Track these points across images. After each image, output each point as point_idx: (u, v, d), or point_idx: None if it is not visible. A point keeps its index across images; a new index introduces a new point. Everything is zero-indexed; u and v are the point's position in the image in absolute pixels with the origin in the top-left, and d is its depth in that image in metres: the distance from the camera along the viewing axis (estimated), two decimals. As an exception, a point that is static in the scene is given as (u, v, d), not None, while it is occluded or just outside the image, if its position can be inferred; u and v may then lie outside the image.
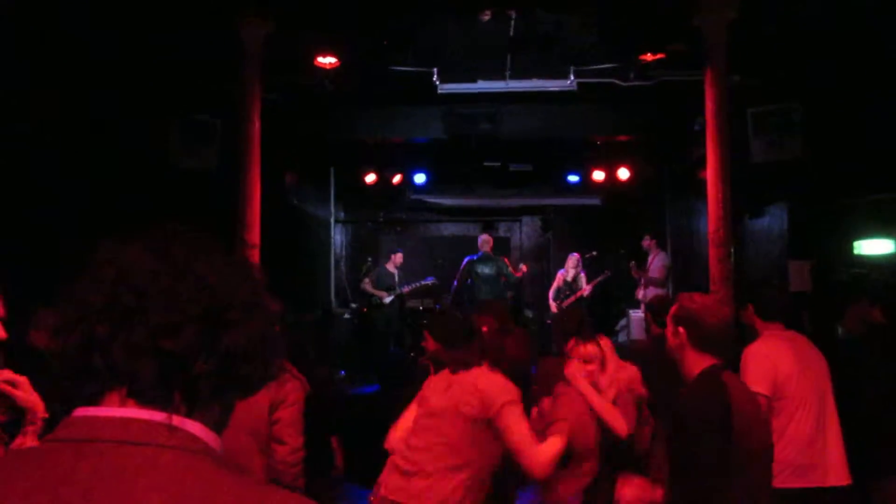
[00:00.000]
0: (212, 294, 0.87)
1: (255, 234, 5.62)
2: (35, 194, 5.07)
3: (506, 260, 9.46)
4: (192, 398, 0.86)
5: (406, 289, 9.71)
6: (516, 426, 2.75)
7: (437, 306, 10.29)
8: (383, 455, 3.14)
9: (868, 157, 6.30)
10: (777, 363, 3.34)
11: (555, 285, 9.75)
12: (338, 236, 11.45)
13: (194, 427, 0.86)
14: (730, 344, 2.65)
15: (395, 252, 9.95)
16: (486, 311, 4.31)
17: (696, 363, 2.55)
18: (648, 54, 6.06)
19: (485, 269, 9.20)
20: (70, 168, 5.48)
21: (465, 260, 9.36)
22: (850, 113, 6.31)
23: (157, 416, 0.83)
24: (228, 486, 0.81)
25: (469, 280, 9.28)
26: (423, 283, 9.73)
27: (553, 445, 2.79)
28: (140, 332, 0.83)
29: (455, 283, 9.45)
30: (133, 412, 0.84)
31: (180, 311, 0.84)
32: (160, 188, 6.21)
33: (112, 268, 0.87)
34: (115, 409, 0.84)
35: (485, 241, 9.41)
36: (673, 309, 2.69)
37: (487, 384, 2.85)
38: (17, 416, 2.09)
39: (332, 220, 11.01)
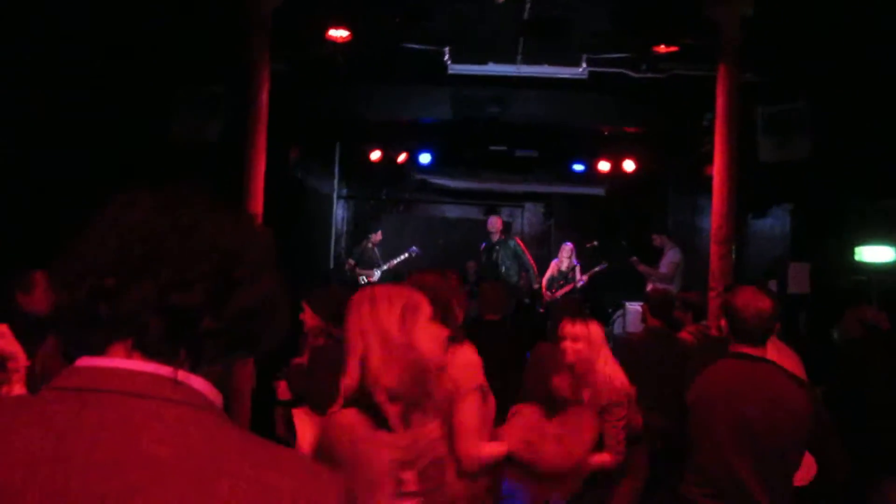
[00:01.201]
0: (221, 252, 0.87)
1: (257, 205, 5.59)
2: (33, 162, 5.04)
3: (516, 239, 9.51)
4: (197, 354, 0.86)
5: (391, 263, 9.68)
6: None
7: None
8: None
9: (876, 163, 6.26)
10: None
11: (548, 274, 9.75)
12: (340, 212, 11.43)
13: (198, 383, 0.86)
14: (765, 334, 2.74)
15: (375, 231, 9.94)
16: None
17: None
18: (662, 46, 6.00)
19: (499, 254, 9.28)
20: (69, 137, 5.45)
21: (482, 247, 9.47)
22: (862, 116, 6.26)
23: (163, 369, 0.84)
24: (234, 441, 0.82)
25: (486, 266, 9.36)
26: (405, 255, 9.71)
27: (493, 448, 2.72)
28: (149, 286, 0.83)
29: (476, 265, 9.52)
30: (139, 365, 0.84)
31: (190, 268, 0.84)
32: (163, 157, 6.17)
33: (121, 225, 0.87)
34: (120, 361, 0.84)
35: (493, 224, 9.44)
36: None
37: None
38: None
39: (335, 196, 10.98)
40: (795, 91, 6.66)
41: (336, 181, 10.91)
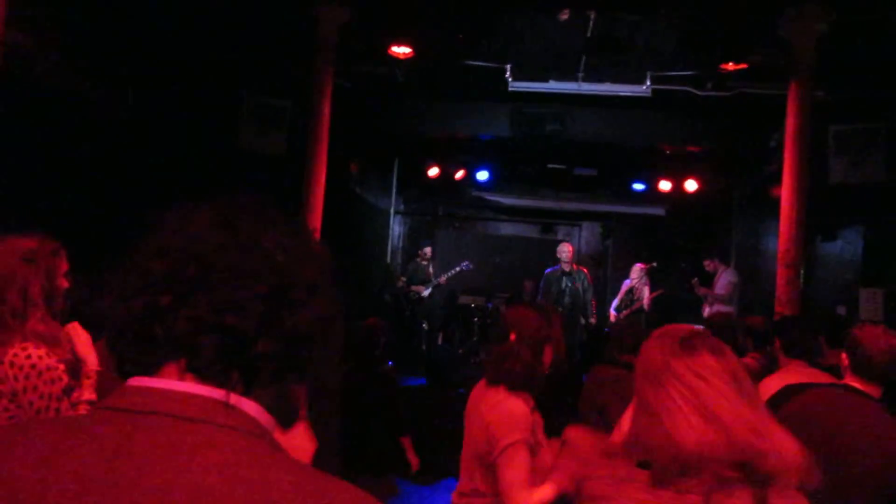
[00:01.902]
0: (279, 271, 0.84)
1: (317, 218, 5.67)
2: (106, 171, 5.19)
3: (584, 270, 9.28)
4: (250, 378, 0.83)
5: (442, 278, 9.67)
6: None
7: (489, 304, 10.25)
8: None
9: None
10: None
11: (619, 296, 9.57)
12: (396, 227, 11.50)
13: (251, 407, 0.83)
14: (890, 374, 2.64)
15: (424, 246, 9.94)
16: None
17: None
18: (731, 64, 5.86)
19: (568, 283, 9.04)
20: (140, 146, 5.62)
21: (547, 271, 9.27)
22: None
23: (216, 393, 0.81)
24: (285, 471, 0.78)
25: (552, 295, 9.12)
26: (457, 269, 9.66)
27: (542, 493, 2.50)
28: (204, 305, 0.80)
29: (540, 295, 9.33)
30: (192, 387, 0.81)
31: (246, 287, 0.81)
32: (228, 169, 6.32)
33: (178, 238, 0.84)
34: (173, 383, 0.81)
35: (565, 252, 9.18)
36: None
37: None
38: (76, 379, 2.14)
39: (392, 211, 11.06)
40: (870, 111, 6.43)
41: (393, 196, 10.99)
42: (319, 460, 0.84)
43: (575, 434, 2.56)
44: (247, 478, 0.75)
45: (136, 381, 0.83)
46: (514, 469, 2.46)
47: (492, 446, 2.48)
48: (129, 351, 0.83)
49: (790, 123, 5.31)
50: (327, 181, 5.90)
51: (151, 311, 0.81)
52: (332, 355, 0.84)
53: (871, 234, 6.98)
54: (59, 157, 4.76)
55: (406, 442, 4.55)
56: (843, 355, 2.67)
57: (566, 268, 9.06)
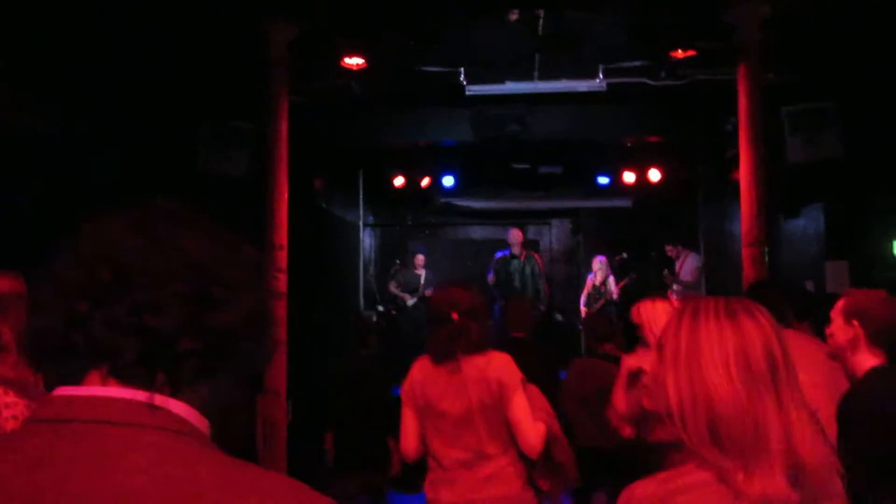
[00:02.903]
0: (197, 271, 0.84)
1: (282, 236, 5.63)
2: (60, 194, 5.11)
3: (538, 258, 9.40)
4: (176, 378, 0.83)
5: (429, 291, 9.72)
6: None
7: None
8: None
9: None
10: None
11: (585, 290, 9.65)
12: (367, 239, 11.47)
13: (178, 407, 0.83)
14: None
15: (416, 253, 9.97)
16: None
17: (867, 359, 2.54)
18: (679, 51, 5.94)
19: (517, 269, 9.16)
20: (99, 169, 5.55)
21: (497, 255, 9.37)
22: (890, 110, 6.13)
23: (139, 395, 0.81)
24: (213, 468, 0.78)
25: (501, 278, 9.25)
26: None
27: (541, 426, 2.91)
28: (121, 309, 0.80)
29: (490, 274, 9.42)
30: (114, 391, 0.81)
31: (164, 288, 0.81)
32: (188, 193, 6.25)
33: (94, 245, 0.84)
34: (95, 388, 0.81)
35: (514, 237, 9.35)
36: (842, 303, 2.66)
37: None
38: None
39: (361, 224, 11.04)
40: (821, 89, 6.55)
41: (361, 209, 10.97)
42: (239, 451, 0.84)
43: (531, 391, 3.02)
44: (172, 476, 0.75)
45: (61, 391, 0.82)
46: (525, 405, 2.84)
47: (503, 392, 2.83)
48: (52, 362, 0.83)
49: (742, 106, 5.39)
50: (292, 199, 5.87)
51: (69, 319, 0.81)
52: (266, 351, 0.84)
53: (832, 208, 7.11)
54: (5, 195, 4.68)
55: (392, 443, 4.56)
56: (856, 322, 2.56)
57: (515, 251, 9.21)
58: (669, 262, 9.32)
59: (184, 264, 0.84)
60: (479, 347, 2.93)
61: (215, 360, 0.85)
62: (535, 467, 2.97)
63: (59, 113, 5.25)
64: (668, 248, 9.24)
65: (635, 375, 3.29)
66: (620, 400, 3.38)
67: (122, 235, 0.85)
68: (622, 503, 1.29)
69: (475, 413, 2.87)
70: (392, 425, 4.61)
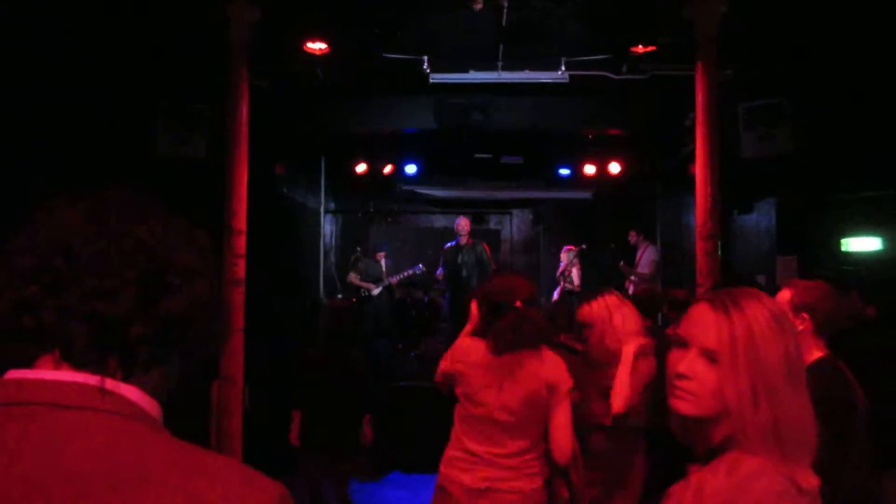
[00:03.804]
0: (150, 258, 0.85)
1: (241, 221, 5.57)
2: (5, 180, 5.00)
3: (485, 246, 9.46)
4: (128, 363, 0.84)
5: (394, 279, 9.72)
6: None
7: (426, 297, 10.28)
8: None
9: (858, 154, 6.30)
10: None
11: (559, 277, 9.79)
12: (328, 226, 11.41)
13: (130, 391, 0.84)
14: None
15: (379, 251, 9.99)
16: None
17: (813, 352, 2.63)
18: (640, 46, 6.02)
19: (464, 258, 9.21)
20: (46, 154, 5.43)
21: (446, 246, 9.43)
22: (842, 108, 6.31)
23: (91, 379, 0.82)
24: (162, 451, 0.79)
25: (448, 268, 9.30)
26: (410, 271, 9.74)
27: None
28: (72, 295, 0.81)
29: (440, 269, 9.47)
30: (66, 375, 0.82)
31: (115, 275, 0.83)
32: (146, 176, 6.15)
33: (46, 231, 0.85)
34: (47, 372, 0.82)
35: (462, 226, 9.38)
36: (789, 295, 2.71)
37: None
38: None
39: (322, 210, 10.97)
40: (775, 86, 6.71)
41: (323, 195, 10.89)
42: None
43: None
44: (121, 460, 0.76)
45: (12, 374, 0.83)
46: (569, 411, 2.86)
47: (551, 393, 2.85)
48: (2, 345, 0.83)
49: (699, 102, 5.49)
50: (253, 183, 5.81)
51: (19, 304, 0.82)
52: (217, 336, 0.85)
53: (783, 203, 7.30)
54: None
55: (366, 419, 4.70)
56: (805, 315, 2.64)
57: (462, 241, 9.25)
58: (627, 254, 9.47)
59: (136, 251, 0.85)
60: (535, 343, 2.93)
61: (167, 346, 0.87)
62: (561, 473, 3.01)
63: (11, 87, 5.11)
64: (632, 233, 9.40)
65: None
66: (626, 386, 3.28)
67: (76, 222, 0.85)
68: (693, 502, 1.24)
69: (517, 410, 2.86)
70: (369, 401, 4.72)
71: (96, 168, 5.70)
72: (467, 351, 3.02)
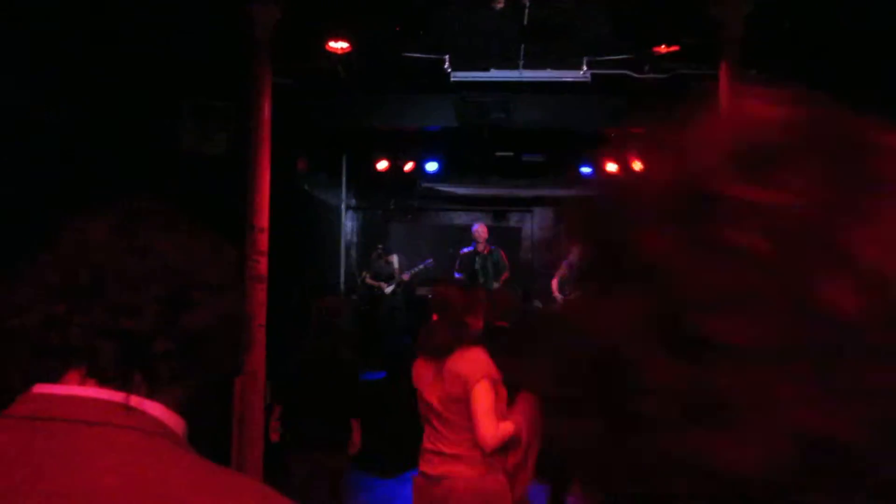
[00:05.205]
0: (175, 274, 0.86)
1: (263, 218, 5.62)
2: (36, 174, 5.06)
3: (502, 253, 9.47)
4: (152, 378, 0.85)
5: (406, 275, 9.74)
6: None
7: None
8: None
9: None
10: None
11: (557, 276, 9.71)
12: (349, 223, 11.45)
13: (153, 408, 0.85)
14: None
15: (389, 254, 10.04)
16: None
17: None
18: (663, 46, 5.97)
19: (482, 264, 9.23)
20: (75, 153, 5.49)
21: (462, 252, 9.44)
22: (870, 110, 6.19)
23: (116, 395, 0.83)
24: (184, 468, 0.80)
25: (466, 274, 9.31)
26: (421, 266, 9.77)
27: (505, 426, 3.21)
28: (98, 311, 0.82)
29: (457, 274, 9.48)
30: (92, 391, 0.83)
31: (141, 291, 0.83)
32: (169, 173, 6.21)
33: (73, 247, 0.86)
34: (73, 388, 0.83)
35: (479, 233, 9.39)
36: None
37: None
38: None
39: (343, 207, 11.02)
40: (800, 87, 6.60)
41: (343, 192, 10.94)
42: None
43: (525, 398, 3.30)
44: (144, 477, 0.77)
45: (39, 389, 0.84)
46: (483, 401, 3.14)
47: (466, 386, 3.16)
48: (28, 362, 0.85)
49: (722, 102, 5.43)
50: (275, 180, 5.85)
51: (46, 321, 0.83)
52: (240, 351, 0.85)
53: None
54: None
55: (355, 423, 4.67)
56: None
57: (480, 248, 9.26)
58: None
59: (162, 267, 0.85)
60: (444, 351, 3.33)
61: (191, 361, 0.87)
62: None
63: (37, 90, 5.18)
64: None
65: None
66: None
67: (102, 237, 0.86)
68: None
69: (445, 404, 3.26)
70: (356, 404, 4.73)
71: (121, 165, 5.77)
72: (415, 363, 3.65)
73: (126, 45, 5.71)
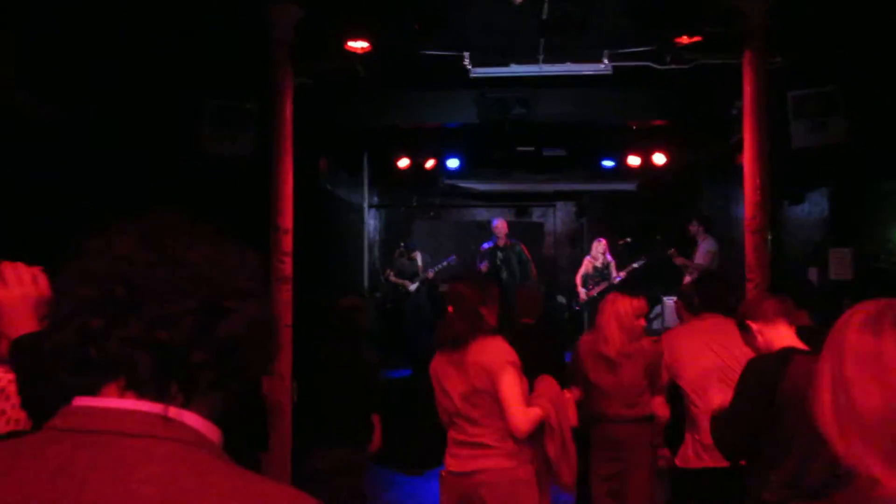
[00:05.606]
0: (207, 284, 0.87)
1: (287, 219, 5.66)
2: (62, 180, 5.12)
3: (523, 247, 9.45)
4: (189, 389, 0.86)
5: (430, 272, 9.77)
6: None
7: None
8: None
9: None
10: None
11: (581, 271, 9.67)
12: (371, 221, 11.50)
13: (191, 418, 0.86)
14: None
15: (412, 251, 10.07)
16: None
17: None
18: (685, 37, 5.90)
19: (504, 259, 9.24)
20: (100, 156, 5.56)
21: (483, 247, 9.46)
22: (887, 96, 6.08)
23: (155, 407, 0.84)
24: (222, 477, 0.82)
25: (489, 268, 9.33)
26: (445, 263, 9.80)
27: (534, 411, 3.23)
28: (135, 324, 0.84)
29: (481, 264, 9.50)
30: (131, 404, 0.84)
31: (176, 303, 0.85)
32: (192, 174, 6.27)
33: (104, 261, 0.87)
34: (113, 401, 0.85)
35: (499, 228, 9.40)
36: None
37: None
38: None
39: (366, 205, 11.06)
40: (826, 75, 6.51)
41: (366, 190, 10.97)
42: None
43: (545, 381, 3.44)
44: (183, 487, 0.79)
45: (79, 402, 0.86)
46: (511, 387, 3.13)
47: (491, 376, 3.15)
48: (67, 375, 0.86)
49: (747, 92, 5.37)
50: (297, 180, 5.89)
51: (84, 335, 0.84)
52: (271, 357, 0.87)
53: (837, 195, 7.09)
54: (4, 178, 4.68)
55: (376, 420, 4.71)
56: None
57: (500, 243, 9.29)
58: (677, 244, 9.24)
59: (194, 277, 0.87)
60: (460, 342, 3.31)
61: (225, 370, 0.88)
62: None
63: (59, 93, 5.25)
64: (689, 226, 9.15)
65: None
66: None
67: (132, 250, 0.87)
68: None
69: (470, 397, 3.24)
70: (376, 400, 4.76)
71: (148, 169, 5.84)
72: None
73: (149, 48, 5.77)
